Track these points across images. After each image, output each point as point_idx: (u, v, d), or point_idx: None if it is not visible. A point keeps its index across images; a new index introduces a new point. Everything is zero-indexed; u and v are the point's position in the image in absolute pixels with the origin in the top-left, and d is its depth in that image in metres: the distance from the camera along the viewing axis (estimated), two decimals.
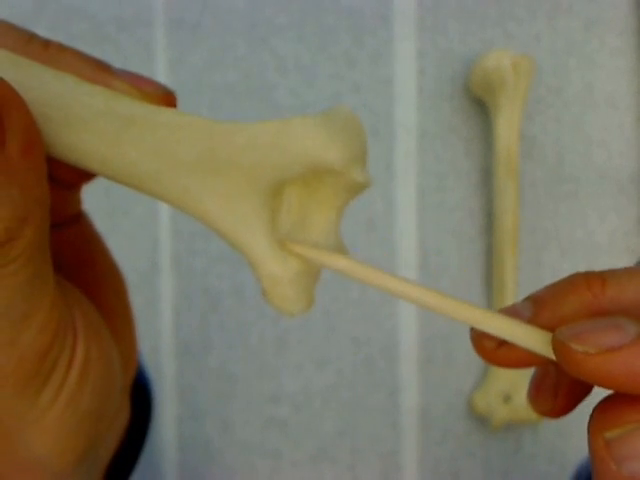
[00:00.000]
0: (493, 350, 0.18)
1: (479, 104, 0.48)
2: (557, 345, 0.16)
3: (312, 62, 0.48)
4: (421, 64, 0.47)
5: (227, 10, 0.48)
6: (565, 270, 0.48)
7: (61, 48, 0.17)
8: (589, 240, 0.48)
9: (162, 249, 0.48)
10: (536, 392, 0.20)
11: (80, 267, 0.19)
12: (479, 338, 0.18)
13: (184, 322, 0.48)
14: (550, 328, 0.17)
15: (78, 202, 0.20)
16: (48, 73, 0.16)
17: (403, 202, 0.48)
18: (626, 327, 0.15)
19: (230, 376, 0.48)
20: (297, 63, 0.48)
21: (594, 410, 0.17)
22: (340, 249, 0.19)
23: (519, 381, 0.46)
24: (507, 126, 0.45)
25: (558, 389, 0.19)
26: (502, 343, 0.17)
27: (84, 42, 0.47)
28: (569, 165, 0.48)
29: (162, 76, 0.48)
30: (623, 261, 0.48)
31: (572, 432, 0.47)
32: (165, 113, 0.16)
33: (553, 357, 0.16)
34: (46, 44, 0.17)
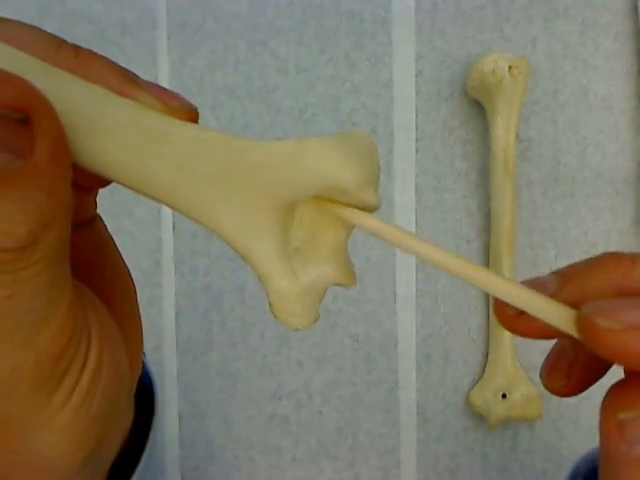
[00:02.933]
0: (514, 318, 0.18)
1: (476, 106, 0.48)
2: (582, 320, 0.16)
3: (312, 64, 0.48)
4: (419, 66, 0.48)
5: (229, 14, 0.48)
6: None
7: (91, 56, 0.17)
8: (585, 240, 0.49)
9: (165, 249, 0.49)
10: (550, 369, 0.20)
11: (91, 269, 0.20)
12: (501, 305, 0.18)
13: (186, 321, 0.49)
14: (574, 303, 0.17)
15: (93, 205, 0.20)
16: (78, 83, 0.16)
17: (402, 202, 0.48)
18: None
19: (231, 374, 0.49)
20: (297, 65, 0.48)
21: (609, 390, 0.17)
22: (348, 268, 0.19)
23: (516, 379, 0.46)
24: (504, 128, 0.46)
25: (573, 368, 0.19)
26: (524, 312, 0.17)
27: (88, 45, 0.48)
28: (565, 166, 0.48)
29: (164, 79, 0.48)
30: None
31: (569, 430, 0.48)
32: (189, 128, 0.17)
33: (573, 333, 0.16)
34: (76, 51, 0.17)
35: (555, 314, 0.17)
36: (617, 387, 0.17)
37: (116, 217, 0.48)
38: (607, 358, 0.16)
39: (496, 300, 0.18)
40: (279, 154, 0.16)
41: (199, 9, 0.48)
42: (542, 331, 0.18)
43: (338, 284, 0.19)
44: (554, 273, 0.19)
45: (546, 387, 0.20)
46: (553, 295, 0.17)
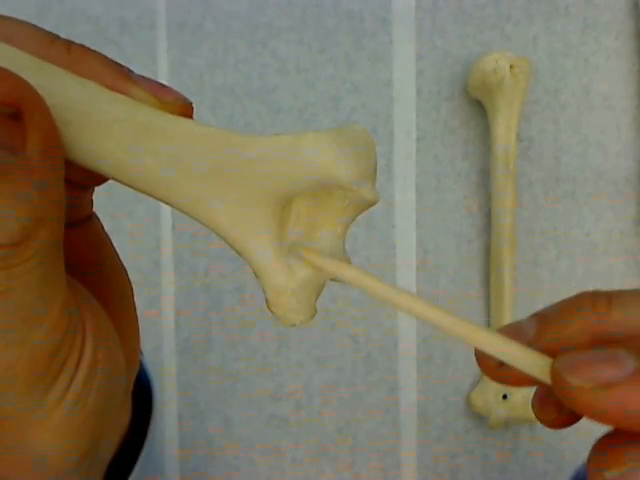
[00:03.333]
0: (494, 368, 0.18)
1: (477, 105, 0.48)
2: (554, 376, 0.16)
3: (312, 64, 0.48)
4: (420, 66, 0.48)
5: (228, 13, 0.48)
6: (562, 270, 0.48)
7: (84, 51, 0.17)
8: (586, 240, 0.48)
9: (164, 249, 0.49)
10: (540, 403, 0.20)
11: (88, 268, 0.20)
12: (482, 356, 0.18)
13: (185, 321, 0.49)
14: (552, 350, 0.17)
15: (89, 204, 0.20)
16: (71, 79, 0.16)
17: (402, 202, 0.48)
18: (624, 361, 0.15)
19: (231, 374, 0.49)
20: (297, 65, 0.48)
21: (594, 446, 0.17)
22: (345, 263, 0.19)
23: None
24: (505, 127, 0.45)
25: (562, 403, 0.19)
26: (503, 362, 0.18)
27: (87, 44, 0.48)
28: (566, 166, 0.48)
29: (164, 78, 0.48)
30: (620, 261, 0.48)
31: (569, 431, 0.48)
32: (183, 123, 0.16)
33: (550, 382, 0.16)
34: (69, 47, 0.17)
35: (531, 364, 0.17)
36: (602, 442, 0.16)
37: (115, 217, 0.48)
38: (581, 414, 0.16)
39: (477, 351, 0.18)
40: (276, 148, 0.16)
41: (198, 8, 0.48)
42: (523, 381, 0.18)
43: (335, 280, 0.19)
44: (533, 317, 0.18)
45: (539, 420, 0.20)
46: (531, 342, 0.17)
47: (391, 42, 0.48)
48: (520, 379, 0.18)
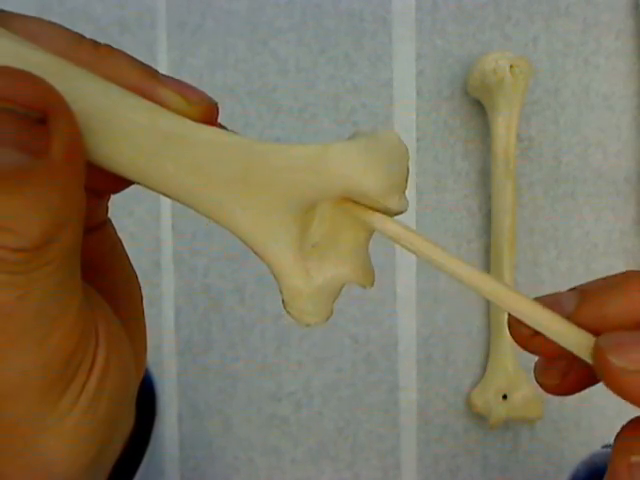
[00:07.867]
0: (528, 337, 0.18)
1: (477, 105, 0.48)
2: (597, 354, 0.15)
3: (312, 64, 0.48)
4: (420, 66, 0.48)
5: (228, 13, 0.48)
6: (562, 270, 0.48)
7: (111, 51, 0.17)
8: (586, 240, 0.48)
9: (164, 249, 0.49)
10: (544, 367, 0.19)
11: (100, 273, 0.20)
12: (516, 323, 0.18)
13: (185, 321, 0.49)
14: (592, 325, 0.16)
15: (105, 210, 0.20)
16: (95, 84, 0.16)
17: None
18: None
19: (231, 374, 0.49)
20: (297, 65, 0.48)
21: (623, 429, 0.16)
22: (366, 269, 0.19)
23: (517, 379, 0.46)
24: (505, 127, 0.45)
25: (570, 369, 0.19)
26: (538, 331, 0.17)
27: None
28: (566, 166, 0.48)
29: None
30: (620, 261, 0.48)
31: (569, 430, 0.48)
32: (206, 131, 0.16)
33: (589, 360, 0.16)
34: (96, 46, 0.17)
35: (571, 339, 0.16)
36: (631, 426, 0.16)
37: (116, 217, 0.48)
38: (619, 396, 0.15)
39: (511, 318, 0.18)
40: (301, 158, 0.16)
41: (199, 8, 0.48)
42: (554, 353, 0.17)
43: (354, 283, 0.19)
44: (573, 290, 0.18)
45: (539, 383, 0.19)
46: (571, 315, 0.17)
47: (391, 42, 0.48)
48: (553, 351, 0.17)
